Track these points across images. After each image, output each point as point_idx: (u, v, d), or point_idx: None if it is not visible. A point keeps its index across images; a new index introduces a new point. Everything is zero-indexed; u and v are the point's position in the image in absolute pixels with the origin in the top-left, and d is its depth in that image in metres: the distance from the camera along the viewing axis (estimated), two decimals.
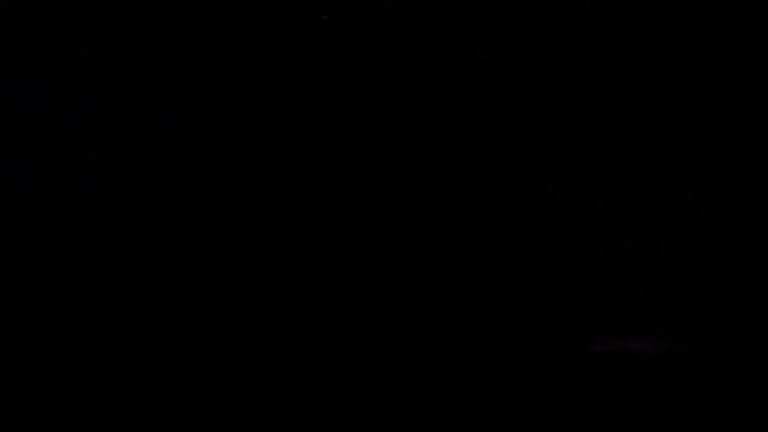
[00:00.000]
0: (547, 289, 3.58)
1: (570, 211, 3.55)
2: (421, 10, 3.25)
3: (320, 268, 3.51)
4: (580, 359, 3.25)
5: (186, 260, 3.35)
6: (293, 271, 3.48)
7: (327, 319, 3.47)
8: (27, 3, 3.10)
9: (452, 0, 3.22)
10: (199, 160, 3.41)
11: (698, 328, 3.33)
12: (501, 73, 3.44)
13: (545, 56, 3.35)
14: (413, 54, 3.41)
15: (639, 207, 3.47)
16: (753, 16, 2.84)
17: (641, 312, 3.49)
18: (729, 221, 3.29)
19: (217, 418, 3.06)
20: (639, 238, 3.49)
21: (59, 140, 3.26)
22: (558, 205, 3.58)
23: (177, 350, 3.29)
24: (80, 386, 3.18)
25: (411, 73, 3.47)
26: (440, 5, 3.25)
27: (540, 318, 3.56)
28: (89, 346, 3.23)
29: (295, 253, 3.49)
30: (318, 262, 3.51)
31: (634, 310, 3.50)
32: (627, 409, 2.68)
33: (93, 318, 3.24)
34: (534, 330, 3.56)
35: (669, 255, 3.41)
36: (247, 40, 3.36)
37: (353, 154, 3.54)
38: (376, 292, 3.52)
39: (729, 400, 2.67)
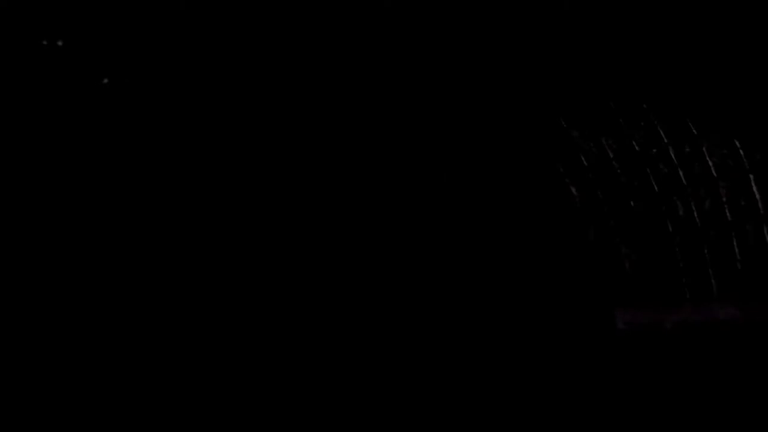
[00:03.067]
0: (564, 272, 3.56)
1: (569, 207, 3.56)
2: (421, 10, 3.26)
3: (320, 268, 3.51)
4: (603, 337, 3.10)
5: (186, 260, 3.35)
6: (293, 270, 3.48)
7: (327, 319, 3.48)
8: (27, 3, 3.10)
9: (452, 0, 3.23)
10: (198, 160, 3.41)
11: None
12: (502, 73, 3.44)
13: (545, 56, 3.36)
14: (413, 54, 3.41)
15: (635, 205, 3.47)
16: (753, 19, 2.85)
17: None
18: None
19: (217, 417, 3.06)
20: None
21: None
22: (559, 202, 3.58)
23: (177, 350, 3.29)
24: (80, 386, 3.18)
25: (411, 73, 3.47)
26: (440, 5, 3.25)
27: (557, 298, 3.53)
28: (89, 346, 3.23)
29: (296, 252, 3.49)
30: (318, 262, 3.51)
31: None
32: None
33: (93, 318, 3.25)
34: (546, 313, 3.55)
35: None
36: (247, 40, 3.36)
37: (353, 154, 3.54)
38: (376, 292, 3.52)
39: None
